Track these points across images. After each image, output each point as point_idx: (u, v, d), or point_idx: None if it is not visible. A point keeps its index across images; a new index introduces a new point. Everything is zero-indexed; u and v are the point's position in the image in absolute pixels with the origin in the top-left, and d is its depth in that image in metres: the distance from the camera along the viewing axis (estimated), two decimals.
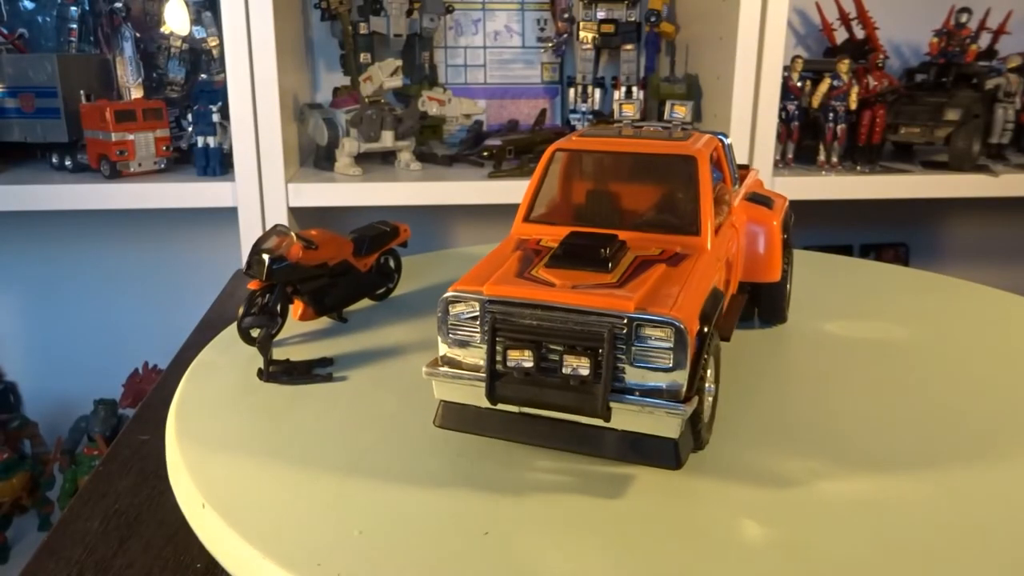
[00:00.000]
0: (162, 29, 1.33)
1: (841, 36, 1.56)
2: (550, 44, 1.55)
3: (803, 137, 1.37)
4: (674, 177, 0.52)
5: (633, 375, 0.42)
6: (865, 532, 0.40)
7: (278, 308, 0.62)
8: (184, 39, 1.33)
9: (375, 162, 1.33)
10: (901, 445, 0.49)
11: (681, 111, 0.58)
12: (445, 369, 0.46)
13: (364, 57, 1.42)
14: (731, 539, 0.40)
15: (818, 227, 1.68)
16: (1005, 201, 1.40)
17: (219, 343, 0.66)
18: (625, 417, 0.43)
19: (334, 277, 0.66)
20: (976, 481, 0.45)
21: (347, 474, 0.45)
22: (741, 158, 1.27)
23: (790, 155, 1.37)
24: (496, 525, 0.40)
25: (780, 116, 1.31)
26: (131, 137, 1.20)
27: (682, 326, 0.41)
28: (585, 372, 0.42)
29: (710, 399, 0.47)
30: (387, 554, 0.38)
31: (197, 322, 0.87)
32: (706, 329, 0.43)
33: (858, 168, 1.36)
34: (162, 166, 1.25)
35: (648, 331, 0.41)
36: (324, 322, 0.68)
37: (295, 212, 1.23)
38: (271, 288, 0.61)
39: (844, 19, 1.55)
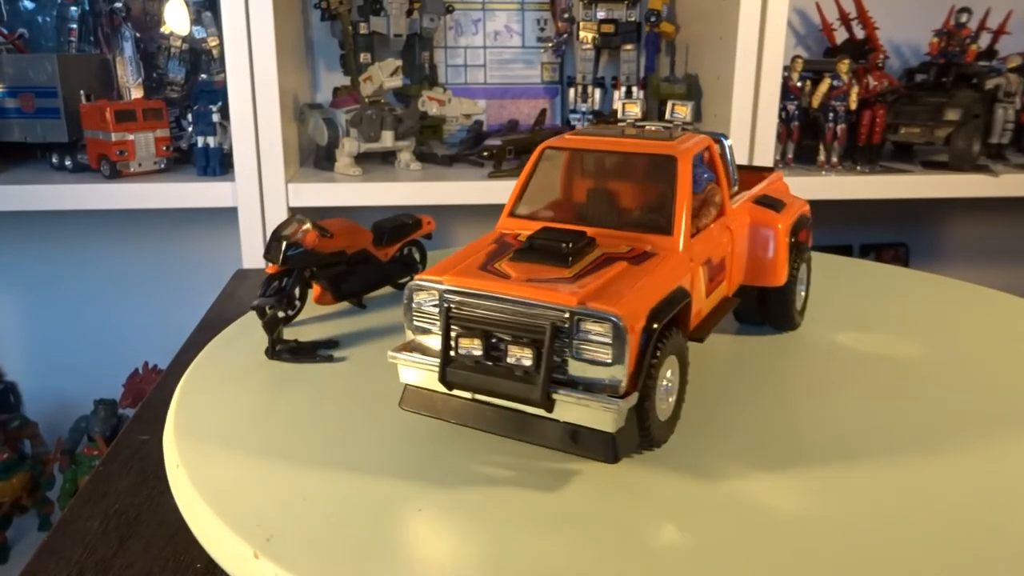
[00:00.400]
0: (162, 29, 1.33)
1: (841, 36, 1.56)
2: (550, 44, 1.55)
3: (803, 137, 1.37)
4: (655, 177, 0.53)
5: (576, 368, 0.43)
6: (790, 546, 0.39)
7: (296, 292, 0.65)
8: (184, 39, 1.33)
9: (375, 162, 1.33)
10: (875, 466, 0.47)
11: (682, 111, 0.58)
12: (406, 354, 0.48)
13: (364, 57, 1.42)
14: (644, 539, 0.40)
15: (818, 227, 1.67)
16: (1005, 201, 1.40)
17: (220, 342, 0.66)
18: (567, 409, 0.44)
19: (353, 265, 0.69)
20: (946, 502, 0.43)
21: (327, 458, 0.47)
22: (741, 158, 1.27)
23: (790, 155, 1.37)
24: (431, 507, 0.42)
25: (780, 116, 1.31)
26: (131, 137, 1.20)
27: (621, 323, 0.42)
28: (528, 363, 0.43)
29: (670, 399, 0.47)
30: (326, 525, 0.41)
31: (197, 322, 0.87)
32: (655, 326, 0.44)
33: (858, 168, 1.36)
34: (162, 166, 1.25)
35: (589, 325, 0.42)
36: (343, 306, 0.71)
37: (295, 212, 1.23)
38: (288, 272, 0.64)
39: (844, 19, 1.55)
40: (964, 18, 1.41)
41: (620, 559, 0.38)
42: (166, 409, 0.55)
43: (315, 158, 1.35)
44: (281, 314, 0.64)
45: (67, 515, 0.51)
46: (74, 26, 1.33)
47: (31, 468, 1.41)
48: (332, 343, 0.64)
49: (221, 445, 0.49)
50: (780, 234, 0.61)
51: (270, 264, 0.63)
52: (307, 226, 0.63)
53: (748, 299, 0.64)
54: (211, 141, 1.22)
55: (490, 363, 0.45)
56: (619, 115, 0.59)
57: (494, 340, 0.44)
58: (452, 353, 0.45)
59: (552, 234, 0.49)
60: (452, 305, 0.45)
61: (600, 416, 0.43)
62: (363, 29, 1.41)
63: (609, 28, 1.46)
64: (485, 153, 1.32)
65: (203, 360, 0.63)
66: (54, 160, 1.28)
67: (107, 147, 1.19)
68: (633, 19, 1.47)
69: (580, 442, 0.44)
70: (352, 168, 1.26)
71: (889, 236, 1.78)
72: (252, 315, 0.72)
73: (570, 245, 0.47)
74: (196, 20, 1.34)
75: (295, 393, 0.57)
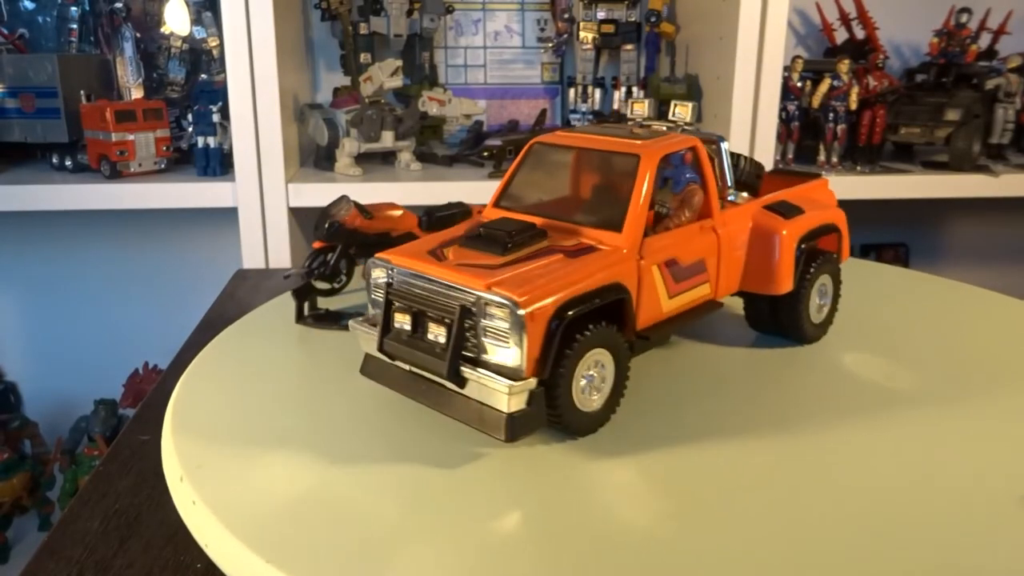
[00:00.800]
0: (162, 29, 1.33)
1: (841, 36, 1.56)
2: (550, 44, 1.55)
3: (803, 137, 1.37)
4: (619, 175, 0.54)
5: (486, 349, 0.46)
6: (631, 562, 0.38)
7: (342, 266, 0.72)
8: (184, 39, 1.33)
9: (375, 162, 1.33)
10: (772, 509, 0.43)
11: (684, 111, 0.59)
12: (360, 325, 0.52)
13: (364, 57, 1.42)
14: (478, 519, 0.41)
15: None
16: (1005, 201, 1.40)
17: (219, 342, 0.66)
18: (476, 388, 0.46)
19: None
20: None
21: (326, 451, 0.48)
22: None
23: (790, 155, 1.37)
24: (362, 476, 0.46)
25: (780, 116, 1.31)
26: (131, 137, 1.20)
27: (519, 309, 0.44)
28: (442, 340, 0.47)
29: (598, 392, 0.48)
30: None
31: (197, 322, 0.87)
32: (569, 314, 0.45)
33: (858, 168, 1.36)
34: (162, 166, 1.25)
35: (493, 309, 0.45)
36: None
37: (295, 212, 1.23)
38: (333, 248, 0.70)
39: (844, 19, 1.55)
40: (964, 18, 1.41)
41: (440, 531, 0.40)
42: (166, 409, 0.55)
43: (315, 158, 1.35)
44: (325, 285, 0.70)
45: (67, 515, 0.51)
46: (74, 26, 1.33)
47: (31, 468, 1.41)
48: (358, 315, 0.67)
49: (220, 445, 0.49)
50: (784, 240, 0.59)
51: (318, 240, 0.69)
52: (349, 205, 0.68)
53: (761, 307, 0.64)
54: (211, 141, 1.22)
55: (417, 338, 0.48)
56: (628, 115, 0.59)
57: (421, 317, 0.48)
58: (390, 326, 0.49)
59: (501, 224, 0.51)
60: (393, 282, 0.49)
61: (496, 396, 0.45)
62: (363, 29, 1.41)
63: (609, 28, 1.46)
64: (485, 153, 1.32)
65: (203, 360, 0.63)
66: (54, 160, 1.28)
67: (107, 147, 1.19)
68: (633, 19, 1.47)
69: (483, 419, 0.46)
70: (352, 168, 1.26)
71: (889, 236, 1.78)
72: (252, 315, 0.73)
73: (512, 234, 0.49)
74: (196, 20, 1.34)
75: (295, 392, 0.57)
